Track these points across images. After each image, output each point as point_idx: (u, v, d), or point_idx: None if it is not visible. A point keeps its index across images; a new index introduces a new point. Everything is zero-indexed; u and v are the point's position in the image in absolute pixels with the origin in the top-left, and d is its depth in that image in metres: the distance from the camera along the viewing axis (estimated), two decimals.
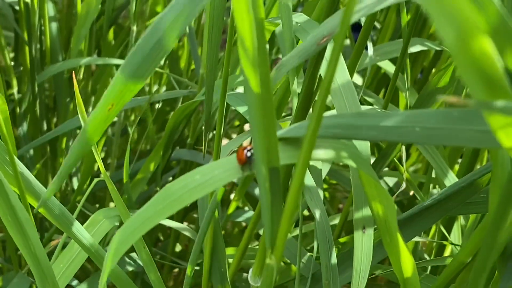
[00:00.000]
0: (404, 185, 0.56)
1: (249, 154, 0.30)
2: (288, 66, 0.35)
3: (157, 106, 0.94)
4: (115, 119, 0.89)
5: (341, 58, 0.43)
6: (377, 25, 0.95)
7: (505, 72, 0.21)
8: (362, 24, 0.54)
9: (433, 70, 0.86)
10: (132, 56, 0.31)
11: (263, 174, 0.29)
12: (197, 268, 0.70)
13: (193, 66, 0.92)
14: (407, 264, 0.37)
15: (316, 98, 0.42)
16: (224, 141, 1.13)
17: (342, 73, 0.43)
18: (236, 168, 0.29)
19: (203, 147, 0.55)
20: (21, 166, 0.43)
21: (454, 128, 0.27)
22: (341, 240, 0.52)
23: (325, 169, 0.51)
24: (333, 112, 0.46)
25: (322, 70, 0.42)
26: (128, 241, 0.28)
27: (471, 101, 0.21)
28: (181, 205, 0.27)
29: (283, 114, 0.70)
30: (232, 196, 0.87)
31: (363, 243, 0.41)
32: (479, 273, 0.31)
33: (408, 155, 0.93)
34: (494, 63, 0.19)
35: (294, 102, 0.42)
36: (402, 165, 0.55)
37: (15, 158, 0.41)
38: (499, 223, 0.28)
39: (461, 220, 0.64)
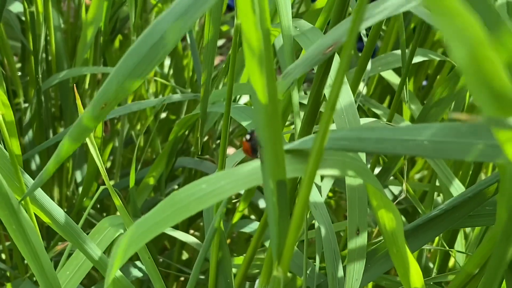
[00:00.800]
0: (404, 194, 0.56)
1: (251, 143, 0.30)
2: (294, 74, 0.35)
3: (162, 115, 0.95)
4: (119, 127, 0.89)
5: None
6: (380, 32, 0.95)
7: None
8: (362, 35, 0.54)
9: (438, 77, 0.86)
10: (129, 55, 0.31)
11: (270, 188, 0.29)
12: (202, 277, 0.71)
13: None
14: (415, 276, 0.37)
15: (322, 110, 0.42)
16: (230, 150, 1.13)
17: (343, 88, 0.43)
18: (243, 179, 0.29)
19: (196, 152, 0.55)
20: (25, 176, 0.43)
21: (462, 142, 0.27)
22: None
23: (329, 180, 0.51)
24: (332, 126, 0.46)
25: (330, 79, 0.42)
26: (133, 247, 0.27)
27: (480, 118, 0.21)
28: (187, 214, 0.27)
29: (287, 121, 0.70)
30: (237, 204, 0.87)
31: (357, 244, 0.41)
32: (488, 286, 0.31)
33: (413, 163, 0.93)
34: (504, 81, 0.19)
35: (296, 116, 0.42)
36: (403, 176, 0.55)
37: (19, 167, 0.41)
38: (509, 237, 0.28)
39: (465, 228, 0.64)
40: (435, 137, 0.27)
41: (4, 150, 0.41)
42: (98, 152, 0.44)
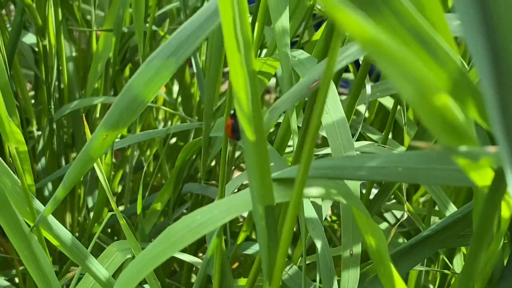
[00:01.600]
0: (405, 216, 0.58)
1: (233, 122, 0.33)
2: (281, 109, 0.38)
3: (171, 141, 0.97)
4: (129, 154, 0.92)
5: (336, 96, 0.46)
6: None
7: (467, 120, 0.23)
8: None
9: None
10: (114, 107, 0.35)
11: (259, 213, 0.31)
12: None
13: None
14: None
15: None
16: (237, 173, 1.16)
17: (336, 111, 0.45)
18: (234, 207, 0.31)
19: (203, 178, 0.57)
20: (36, 203, 0.46)
21: (433, 168, 0.29)
22: None
23: (328, 202, 0.53)
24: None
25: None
26: (134, 279, 0.30)
27: (437, 147, 0.23)
28: (184, 244, 0.29)
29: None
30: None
31: (350, 265, 0.43)
32: None
33: (417, 186, 0.95)
34: (454, 113, 0.22)
35: (295, 140, 0.44)
36: (403, 196, 0.57)
37: (31, 195, 0.44)
38: (476, 254, 0.30)
39: (463, 249, 0.66)
40: (408, 164, 0.30)
41: (17, 178, 0.43)
42: (106, 180, 0.47)
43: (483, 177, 0.27)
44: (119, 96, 0.36)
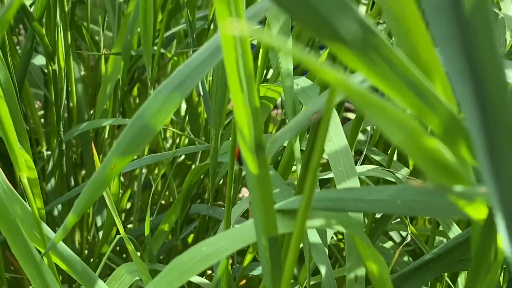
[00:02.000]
0: (409, 238, 0.58)
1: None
2: (281, 140, 0.39)
3: (179, 160, 0.99)
4: (137, 173, 0.93)
5: (339, 124, 0.47)
6: None
7: (460, 160, 0.24)
8: None
9: None
10: (122, 138, 0.36)
11: (263, 244, 0.32)
12: None
13: None
14: None
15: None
16: (244, 190, 1.17)
17: (339, 138, 0.46)
18: (239, 239, 0.33)
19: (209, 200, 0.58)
20: (46, 228, 0.47)
21: (430, 201, 0.30)
22: None
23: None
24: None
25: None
26: None
27: (431, 186, 0.24)
28: (191, 275, 0.30)
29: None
30: None
31: None
32: None
33: None
34: (444, 155, 0.23)
35: (298, 168, 0.45)
36: (407, 219, 0.58)
37: (42, 223, 0.45)
38: (474, 283, 0.31)
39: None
40: (407, 197, 0.31)
41: (28, 206, 0.45)
42: (114, 206, 0.48)
43: (478, 212, 0.28)
44: (127, 127, 0.37)
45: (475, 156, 0.25)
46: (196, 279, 0.66)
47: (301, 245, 0.42)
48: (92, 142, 0.52)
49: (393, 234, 0.89)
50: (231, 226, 0.50)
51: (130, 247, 0.50)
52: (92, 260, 0.84)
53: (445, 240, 0.77)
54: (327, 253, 0.51)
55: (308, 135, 0.50)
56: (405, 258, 0.84)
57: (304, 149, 0.51)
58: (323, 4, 0.24)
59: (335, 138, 0.46)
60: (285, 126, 0.40)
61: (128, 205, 1.06)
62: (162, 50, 0.90)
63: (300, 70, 0.75)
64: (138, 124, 0.37)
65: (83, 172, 1.00)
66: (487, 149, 0.21)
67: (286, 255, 0.36)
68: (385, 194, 0.31)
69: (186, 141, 1.04)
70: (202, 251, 0.31)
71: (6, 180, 0.46)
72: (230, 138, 0.76)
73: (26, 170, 0.41)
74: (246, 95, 0.30)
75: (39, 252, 0.43)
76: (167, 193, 1.06)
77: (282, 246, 0.45)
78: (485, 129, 0.21)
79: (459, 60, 0.21)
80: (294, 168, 0.65)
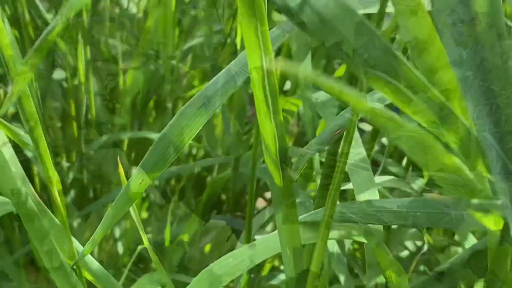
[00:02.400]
0: (425, 248, 0.59)
1: None
2: (308, 155, 0.40)
3: (196, 171, 1.00)
4: (156, 183, 0.95)
5: (358, 139, 0.48)
6: None
7: (477, 174, 0.26)
8: None
9: None
10: (149, 155, 0.38)
11: (287, 255, 0.33)
12: None
13: None
14: None
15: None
16: (260, 202, 1.18)
17: (358, 151, 0.48)
18: (264, 250, 0.34)
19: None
20: (75, 241, 0.48)
21: (447, 213, 0.31)
22: None
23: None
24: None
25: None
26: None
27: (449, 199, 0.26)
28: (220, 285, 0.32)
29: None
30: None
31: None
32: None
33: None
34: (461, 169, 0.24)
35: (317, 181, 0.47)
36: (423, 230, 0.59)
37: (71, 236, 0.47)
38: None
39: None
40: (426, 209, 0.32)
41: (57, 221, 0.46)
42: (139, 218, 0.49)
43: (494, 223, 0.29)
44: (154, 144, 0.39)
45: (490, 170, 0.27)
46: None
47: None
48: (118, 157, 0.53)
49: (408, 242, 0.90)
50: (251, 238, 0.51)
51: (155, 258, 0.51)
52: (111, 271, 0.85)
53: (460, 249, 0.78)
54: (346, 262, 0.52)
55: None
56: (421, 268, 0.85)
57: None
58: (345, 28, 0.26)
59: (354, 150, 0.47)
60: (312, 140, 0.41)
61: (145, 215, 1.07)
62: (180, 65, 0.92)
63: None
64: (165, 141, 0.39)
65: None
66: (502, 164, 0.22)
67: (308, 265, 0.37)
68: (405, 206, 0.33)
69: (202, 152, 1.05)
70: (229, 262, 0.33)
71: (35, 194, 0.48)
72: (251, 150, 0.77)
73: (59, 185, 0.43)
74: (271, 111, 0.31)
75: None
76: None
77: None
78: (500, 144, 0.22)
79: (475, 80, 0.22)
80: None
